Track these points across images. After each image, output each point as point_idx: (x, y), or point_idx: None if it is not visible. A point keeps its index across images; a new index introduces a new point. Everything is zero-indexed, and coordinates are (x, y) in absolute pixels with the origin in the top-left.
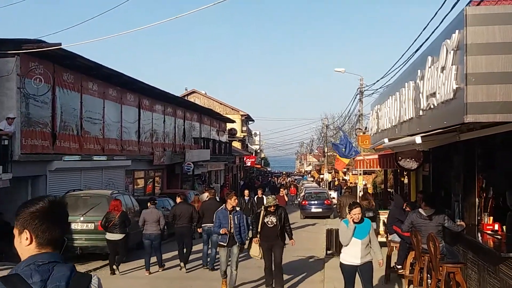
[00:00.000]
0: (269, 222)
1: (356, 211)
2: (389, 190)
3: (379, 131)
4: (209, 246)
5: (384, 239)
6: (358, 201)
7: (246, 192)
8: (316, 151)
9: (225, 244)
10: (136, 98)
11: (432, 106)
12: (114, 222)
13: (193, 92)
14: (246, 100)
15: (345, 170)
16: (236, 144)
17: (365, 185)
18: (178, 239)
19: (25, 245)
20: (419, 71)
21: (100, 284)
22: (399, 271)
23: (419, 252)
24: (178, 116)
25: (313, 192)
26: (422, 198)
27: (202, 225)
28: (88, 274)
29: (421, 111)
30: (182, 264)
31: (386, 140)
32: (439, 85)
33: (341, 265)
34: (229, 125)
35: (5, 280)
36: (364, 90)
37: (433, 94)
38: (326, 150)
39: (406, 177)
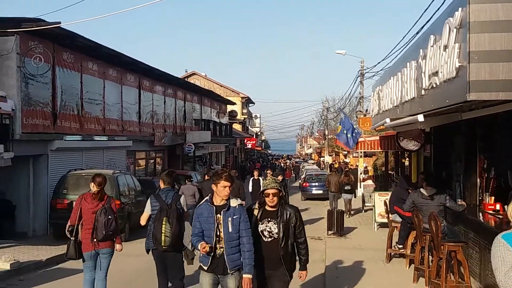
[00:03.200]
0: (265, 232)
1: None
2: (390, 172)
3: (381, 112)
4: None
5: (385, 220)
6: (346, 177)
7: (256, 172)
8: (317, 134)
9: (206, 268)
10: (136, 79)
11: (434, 85)
12: None
13: (193, 74)
14: (247, 83)
15: (345, 152)
16: (237, 127)
17: (366, 167)
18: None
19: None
20: (421, 50)
21: (185, 201)
22: (400, 250)
23: (421, 232)
24: (178, 98)
25: (313, 174)
26: (424, 178)
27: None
28: (179, 194)
29: (423, 91)
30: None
31: (387, 120)
32: (442, 63)
33: None
34: (229, 107)
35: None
36: (365, 73)
37: (436, 73)
38: (326, 133)
39: (407, 158)
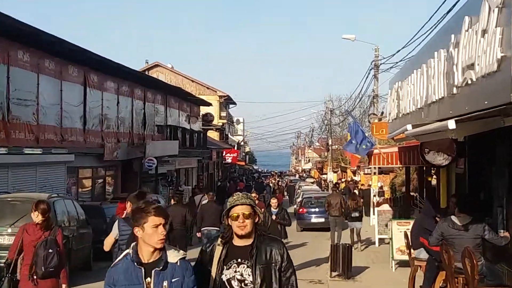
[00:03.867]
0: (233, 282)
1: None
2: (412, 194)
3: (400, 115)
4: None
5: (406, 257)
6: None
7: (254, 194)
8: (318, 143)
9: None
10: (81, 73)
11: (469, 82)
12: None
13: (156, 65)
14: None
15: (354, 169)
16: (213, 135)
17: (381, 187)
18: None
19: None
20: (452, 36)
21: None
22: None
23: (452, 273)
24: (136, 97)
25: (313, 197)
26: (456, 202)
27: (202, 228)
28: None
29: (455, 89)
30: None
31: (409, 126)
32: (479, 53)
33: None
34: (203, 109)
35: None
36: (380, 64)
37: (471, 66)
38: (330, 142)
39: (434, 176)
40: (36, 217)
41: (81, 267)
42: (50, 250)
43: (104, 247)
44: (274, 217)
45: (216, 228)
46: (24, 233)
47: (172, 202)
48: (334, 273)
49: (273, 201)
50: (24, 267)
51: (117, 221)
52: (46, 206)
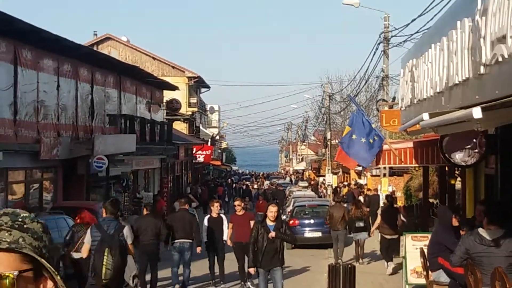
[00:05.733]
0: None
1: None
2: (431, 201)
3: (415, 102)
4: (180, 265)
5: (423, 280)
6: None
7: (215, 205)
8: (313, 137)
9: None
10: (10, 48)
11: (500, 59)
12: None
13: (108, 38)
14: (198, 56)
15: (359, 168)
16: (181, 126)
17: (392, 192)
18: (140, 259)
19: None
20: (479, 1)
21: (129, 232)
22: None
23: None
24: (82, 79)
25: (307, 205)
26: (485, 211)
27: (174, 241)
28: (122, 225)
29: (482, 68)
30: None
31: (425, 115)
32: None
33: None
34: (168, 94)
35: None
36: (391, 36)
37: (502, 39)
38: (329, 136)
39: (458, 178)
40: None
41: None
42: None
43: (82, 254)
44: (273, 234)
45: (189, 241)
46: None
47: (145, 212)
48: None
49: (272, 210)
50: None
51: (89, 228)
52: None
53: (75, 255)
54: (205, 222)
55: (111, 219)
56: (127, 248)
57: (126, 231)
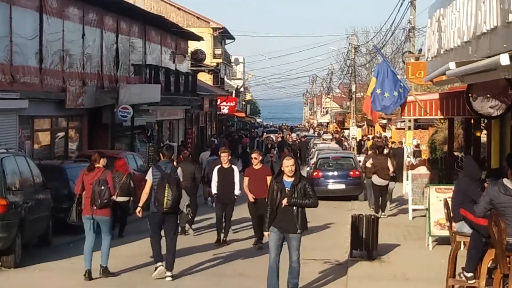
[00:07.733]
0: None
1: None
2: (456, 154)
3: (442, 52)
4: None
5: (446, 232)
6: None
7: (225, 155)
8: (338, 90)
9: None
10: None
11: None
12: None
13: None
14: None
15: (384, 121)
16: (205, 78)
17: (417, 145)
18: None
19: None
20: None
21: (181, 172)
22: (470, 282)
23: (503, 250)
24: (107, 28)
25: (331, 157)
26: (509, 162)
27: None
28: (176, 167)
29: (511, 15)
30: (187, 226)
31: (451, 64)
32: None
33: None
34: (193, 45)
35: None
36: None
37: None
38: (354, 89)
39: (484, 130)
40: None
41: (37, 242)
42: (103, 187)
43: (145, 189)
44: (284, 201)
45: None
46: (84, 176)
47: (182, 157)
48: (355, 252)
49: (287, 163)
50: (86, 200)
51: (150, 168)
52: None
53: (118, 199)
54: (215, 173)
55: (167, 161)
56: (181, 184)
57: (179, 171)
